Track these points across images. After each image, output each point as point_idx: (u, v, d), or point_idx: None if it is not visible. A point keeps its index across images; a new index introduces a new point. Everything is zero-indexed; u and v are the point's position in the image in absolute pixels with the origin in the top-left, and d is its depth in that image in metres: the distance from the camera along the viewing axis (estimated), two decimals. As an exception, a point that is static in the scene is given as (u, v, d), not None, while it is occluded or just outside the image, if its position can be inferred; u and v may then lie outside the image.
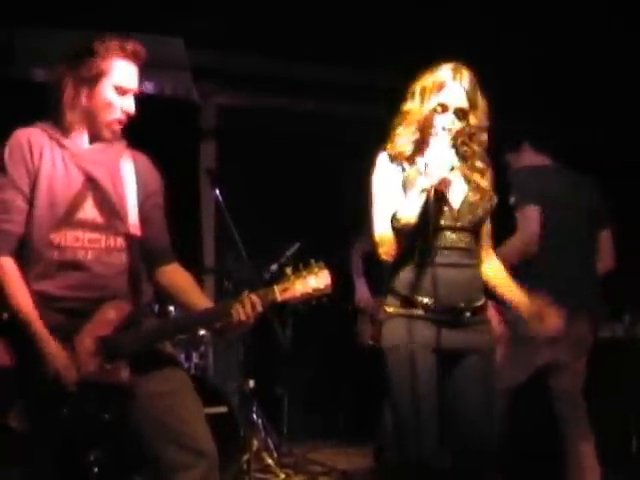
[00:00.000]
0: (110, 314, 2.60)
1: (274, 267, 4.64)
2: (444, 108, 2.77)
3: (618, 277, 3.94)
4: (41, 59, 4.72)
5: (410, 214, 2.68)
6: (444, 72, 2.79)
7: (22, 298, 2.54)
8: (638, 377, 4.53)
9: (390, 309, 2.82)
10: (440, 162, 2.64)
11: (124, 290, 2.69)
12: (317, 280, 2.58)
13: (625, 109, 5.20)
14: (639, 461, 4.56)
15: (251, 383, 4.67)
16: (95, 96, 2.63)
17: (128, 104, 2.67)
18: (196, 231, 5.84)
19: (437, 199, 2.71)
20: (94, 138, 2.70)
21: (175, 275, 2.80)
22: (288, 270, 2.61)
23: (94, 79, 2.62)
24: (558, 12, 4.88)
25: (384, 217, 2.78)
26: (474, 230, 2.84)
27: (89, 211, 2.63)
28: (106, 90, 2.63)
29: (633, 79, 5.09)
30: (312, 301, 2.63)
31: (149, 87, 5.23)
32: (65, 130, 2.65)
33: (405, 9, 4.93)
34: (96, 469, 3.15)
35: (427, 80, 2.81)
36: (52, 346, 2.50)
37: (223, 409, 4.26)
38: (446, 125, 2.76)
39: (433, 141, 2.76)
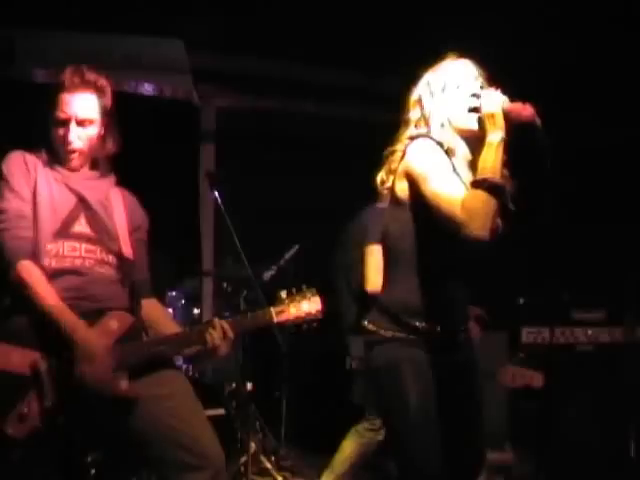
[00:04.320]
0: (113, 324, 2.62)
1: (273, 270, 4.63)
2: (468, 78, 2.67)
3: (617, 281, 3.94)
4: (41, 60, 4.71)
5: (492, 168, 2.45)
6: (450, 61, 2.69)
7: (49, 295, 2.57)
8: (637, 381, 4.53)
9: (387, 333, 2.62)
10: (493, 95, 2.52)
11: (120, 299, 2.73)
12: (310, 305, 2.74)
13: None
14: (638, 465, 4.55)
15: (249, 385, 4.67)
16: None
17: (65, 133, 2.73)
18: (195, 233, 5.83)
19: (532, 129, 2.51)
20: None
21: (152, 309, 2.87)
22: (283, 294, 2.75)
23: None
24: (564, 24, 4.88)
25: (462, 189, 2.49)
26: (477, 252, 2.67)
27: (84, 226, 2.72)
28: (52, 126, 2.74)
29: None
30: (303, 325, 2.73)
31: (149, 89, 5.23)
32: (52, 159, 2.75)
33: (405, 12, 4.93)
34: (94, 471, 3.15)
35: (442, 74, 2.68)
36: (87, 332, 2.54)
37: (221, 411, 4.26)
38: (476, 91, 2.62)
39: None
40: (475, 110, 2.57)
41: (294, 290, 2.75)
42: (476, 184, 2.44)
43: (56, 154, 2.76)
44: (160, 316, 2.87)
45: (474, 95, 2.59)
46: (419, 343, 2.59)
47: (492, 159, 2.47)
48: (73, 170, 2.77)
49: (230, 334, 2.66)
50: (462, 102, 2.61)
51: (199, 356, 2.76)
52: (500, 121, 2.50)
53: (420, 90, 2.71)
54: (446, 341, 2.63)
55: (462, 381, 2.69)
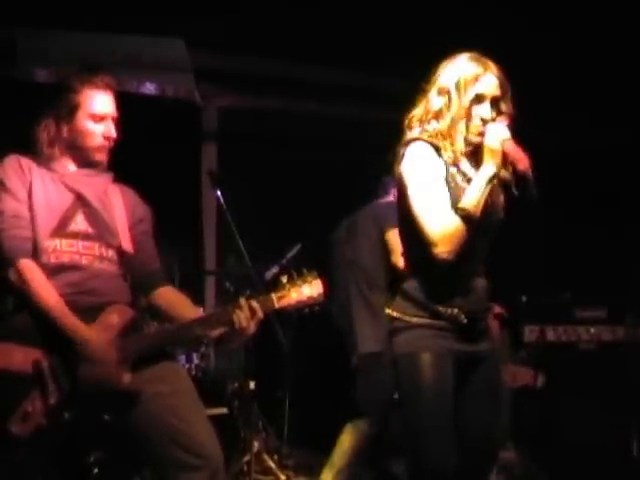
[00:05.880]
0: (113, 318, 2.63)
1: (275, 269, 4.63)
2: (481, 98, 2.62)
3: (620, 280, 3.94)
4: (43, 60, 4.71)
5: (476, 202, 2.53)
6: (472, 63, 2.65)
7: (48, 293, 2.59)
8: (639, 379, 4.52)
9: (412, 319, 2.65)
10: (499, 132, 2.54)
11: (121, 294, 2.74)
12: (311, 289, 2.70)
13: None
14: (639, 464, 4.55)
15: (252, 384, 4.66)
16: (74, 127, 2.75)
17: (107, 130, 2.77)
18: (197, 233, 5.84)
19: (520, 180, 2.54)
20: (83, 164, 2.80)
21: (169, 295, 2.87)
22: (283, 278, 2.72)
23: (71, 112, 2.74)
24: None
25: (444, 209, 2.56)
26: (493, 233, 2.74)
27: (81, 223, 2.73)
28: (82, 120, 2.75)
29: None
30: (305, 309, 2.71)
31: (150, 88, 5.23)
32: (47, 160, 2.76)
33: (406, 11, 4.93)
34: (96, 470, 3.16)
35: (459, 74, 2.63)
36: (87, 332, 2.56)
37: (223, 411, 4.26)
38: (484, 115, 2.62)
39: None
40: (479, 134, 2.62)
41: (295, 274, 2.72)
42: (455, 210, 2.54)
43: (73, 151, 2.77)
44: (179, 300, 2.87)
45: (483, 120, 2.62)
46: (442, 329, 2.63)
47: (478, 192, 2.55)
48: (98, 164, 2.81)
49: (260, 313, 2.64)
50: (472, 116, 2.63)
51: (224, 338, 2.76)
52: (498, 157, 2.55)
53: (442, 84, 2.68)
54: (468, 328, 2.65)
55: (481, 375, 2.71)
